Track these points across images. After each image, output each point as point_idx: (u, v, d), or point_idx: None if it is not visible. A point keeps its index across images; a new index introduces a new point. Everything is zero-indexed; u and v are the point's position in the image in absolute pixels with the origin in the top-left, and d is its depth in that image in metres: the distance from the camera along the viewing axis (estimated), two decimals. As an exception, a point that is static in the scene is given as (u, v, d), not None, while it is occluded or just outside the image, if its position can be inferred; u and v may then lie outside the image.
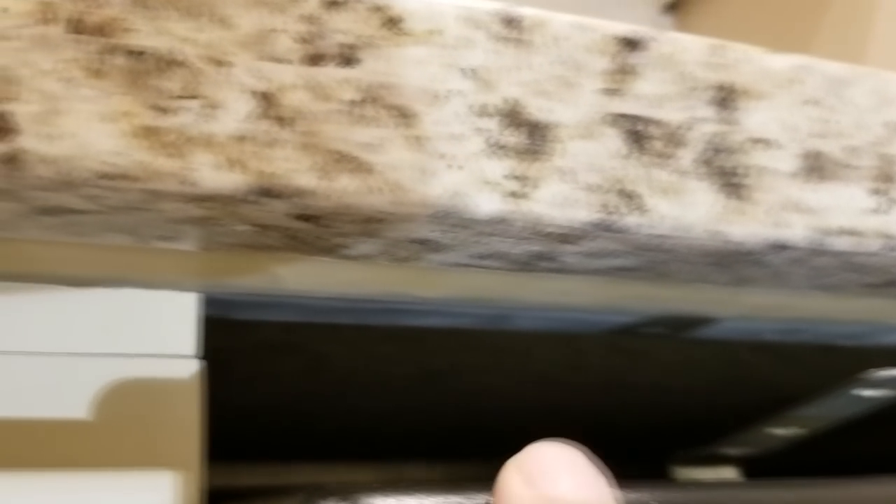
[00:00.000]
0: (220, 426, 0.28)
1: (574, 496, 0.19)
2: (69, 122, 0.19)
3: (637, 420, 0.39)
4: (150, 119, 0.19)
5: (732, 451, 0.36)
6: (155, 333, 0.25)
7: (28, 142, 0.18)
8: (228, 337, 0.29)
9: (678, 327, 0.34)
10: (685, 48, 0.26)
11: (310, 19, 0.21)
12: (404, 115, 0.22)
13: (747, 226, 0.25)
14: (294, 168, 0.20)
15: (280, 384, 0.40)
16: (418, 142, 0.22)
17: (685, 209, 0.24)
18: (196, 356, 0.26)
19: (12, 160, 0.18)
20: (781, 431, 0.34)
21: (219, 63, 0.20)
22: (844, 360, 0.40)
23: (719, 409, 0.38)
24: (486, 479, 0.21)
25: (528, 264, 0.26)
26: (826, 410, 0.32)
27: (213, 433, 0.27)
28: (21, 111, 0.18)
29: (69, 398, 0.24)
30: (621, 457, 0.42)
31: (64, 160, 0.18)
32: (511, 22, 0.24)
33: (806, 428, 0.33)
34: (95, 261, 0.24)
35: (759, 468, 0.39)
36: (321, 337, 0.33)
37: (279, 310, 0.29)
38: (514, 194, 0.23)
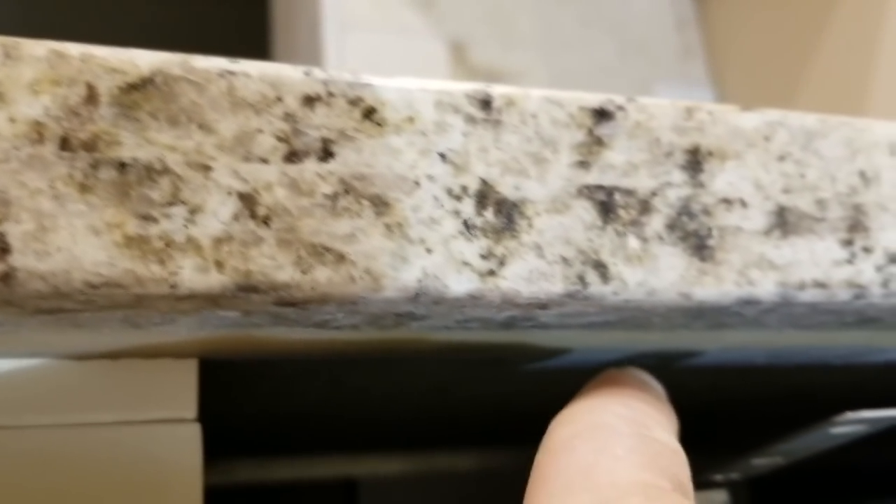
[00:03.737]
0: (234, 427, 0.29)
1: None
2: (60, 237, 0.20)
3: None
4: (137, 228, 0.21)
5: (719, 477, 0.37)
6: (155, 400, 0.27)
7: (20, 260, 0.20)
8: (229, 396, 0.31)
9: (667, 360, 0.36)
10: (655, 115, 0.27)
11: (289, 118, 0.23)
12: (381, 204, 0.23)
13: (716, 287, 0.26)
14: (273, 264, 0.22)
15: (301, 399, 0.41)
16: (395, 229, 0.23)
17: (654, 275, 0.26)
18: (196, 420, 0.27)
19: (5, 278, 0.19)
20: (763, 462, 0.35)
21: (201, 168, 0.21)
22: (835, 378, 0.41)
23: (707, 436, 0.40)
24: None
25: (508, 325, 0.27)
26: (803, 445, 0.33)
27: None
28: (13, 231, 0.20)
29: (71, 468, 0.26)
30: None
31: (55, 274, 0.20)
32: (484, 103, 0.25)
33: (785, 458, 0.34)
34: (96, 342, 0.25)
35: (745, 488, 0.40)
36: (324, 376, 0.34)
37: (279, 364, 0.30)
38: (486, 272, 0.24)
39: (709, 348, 0.35)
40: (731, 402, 0.40)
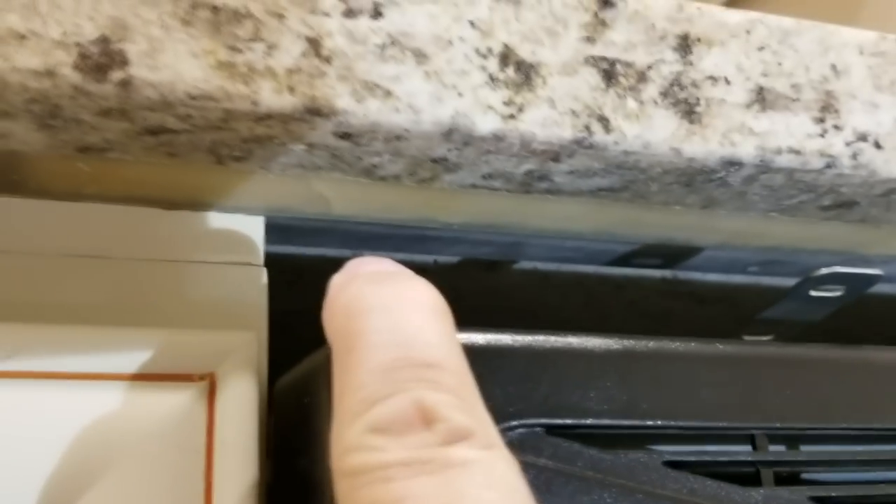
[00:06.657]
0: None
1: (376, 269, 0.25)
2: (167, 57, 0.25)
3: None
4: (227, 56, 0.26)
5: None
6: (231, 246, 0.32)
7: (137, 71, 0.25)
8: (288, 259, 0.36)
9: (669, 257, 0.40)
10: (650, 6, 0.32)
11: (345, -17, 0.28)
12: (421, 56, 0.28)
13: (702, 144, 0.31)
14: (334, 93, 0.27)
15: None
16: (432, 76, 0.28)
17: (649, 131, 0.30)
18: (263, 265, 0.32)
19: (125, 84, 0.25)
20: (754, 340, 0.39)
21: (277, 16, 0.27)
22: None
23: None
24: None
25: (526, 184, 0.32)
26: (788, 313, 0.37)
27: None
28: (131, 49, 0.25)
29: (156, 298, 0.31)
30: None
31: (163, 85, 0.25)
32: (505, -15, 0.30)
33: (776, 334, 0.38)
34: (183, 184, 0.30)
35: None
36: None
37: (329, 236, 0.35)
38: (508, 116, 0.29)
39: (706, 243, 0.40)
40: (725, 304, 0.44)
